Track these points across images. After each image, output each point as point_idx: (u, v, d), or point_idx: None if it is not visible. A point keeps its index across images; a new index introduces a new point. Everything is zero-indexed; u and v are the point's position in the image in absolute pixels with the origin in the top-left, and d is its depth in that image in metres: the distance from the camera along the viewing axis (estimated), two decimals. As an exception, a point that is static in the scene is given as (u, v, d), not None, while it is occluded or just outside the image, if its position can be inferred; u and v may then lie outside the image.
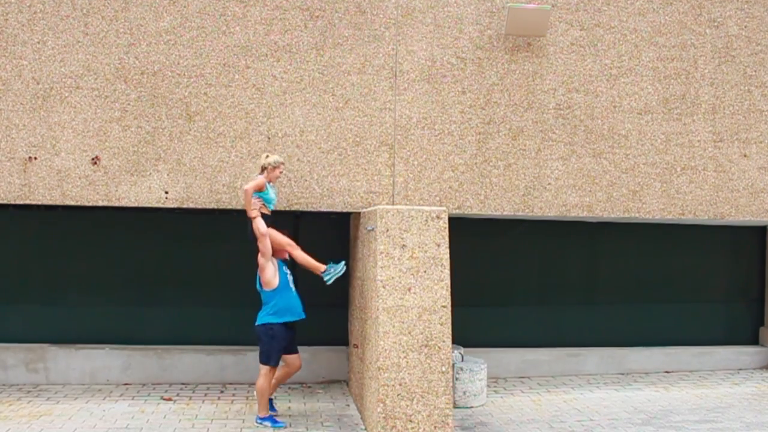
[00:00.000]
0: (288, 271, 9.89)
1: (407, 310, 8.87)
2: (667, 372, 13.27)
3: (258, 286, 9.79)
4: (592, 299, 13.43)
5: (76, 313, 11.88)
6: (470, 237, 12.56)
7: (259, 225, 9.40)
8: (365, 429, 9.58)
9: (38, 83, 10.23)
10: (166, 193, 10.43)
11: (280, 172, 9.97)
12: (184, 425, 9.57)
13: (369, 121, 10.82)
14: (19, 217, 11.69)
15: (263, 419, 9.60)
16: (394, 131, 10.85)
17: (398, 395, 8.73)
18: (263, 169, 9.86)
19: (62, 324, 11.84)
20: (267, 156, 9.90)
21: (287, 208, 10.68)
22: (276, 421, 9.62)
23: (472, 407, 10.82)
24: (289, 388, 11.46)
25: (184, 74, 10.48)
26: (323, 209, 10.76)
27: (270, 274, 9.55)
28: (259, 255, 9.51)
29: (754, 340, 14.21)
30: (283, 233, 9.77)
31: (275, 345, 9.52)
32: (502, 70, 11.21)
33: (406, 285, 8.93)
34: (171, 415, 10.00)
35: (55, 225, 11.88)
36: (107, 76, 10.35)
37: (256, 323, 9.64)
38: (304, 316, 9.83)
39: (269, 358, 9.53)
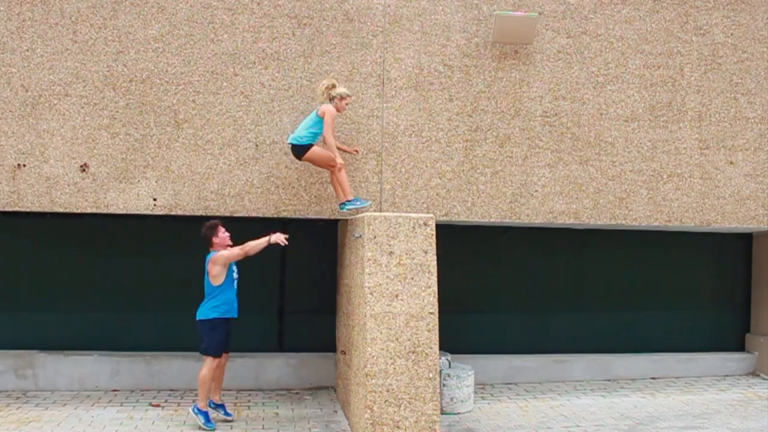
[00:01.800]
0: (235, 269, 10.08)
1: (395, 317, 8.89)
2: (653, 378, 13.30)
3: (206, 279, 9.91)
4: (579, 306, 13.46)
5: (65, 319, 11.86)
6: (458, 244, 12.58)
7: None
8: (353, 435, 9.62)
9: (27, 91, 10.25)
10: (155, 200, 10.46)
11: (347, 104, 10.29)
12: (173, 431, 9.58)
13: (356, 128, 10.86)
14: (7, 224, 11.67)
15: (201, 411, 9.76)
16: (381, 138, 10.90)
17: (385, 401, 8.75)
18: (330, 99, 10.14)
19: (51, 330, 11.83)
20: (334, 86, 10.18)
21: (275, 215, 10.72)
22: (209, 420, 9.76)
23: (459, 413, 10.84)
24: (277, 394, 11.48)
25: (173, 82, 10.51)
26: (311, 216, 10.80)
27: (219, 270, 9.77)
28: (230, 249, 9.80)
29: (740, 347, 14.25)
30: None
31: (216, 336, 9.80)
32: (489, 78, 11.27)
33: (393, 292, 8.95)
34: (159, 421, 10.01)
35: (43, 232, 11.87)
36: (96, 84, 10.38)
37: (199, 318, 9.87)
38: (236, 316, 10.06)
39: (210, 349, 9.80)
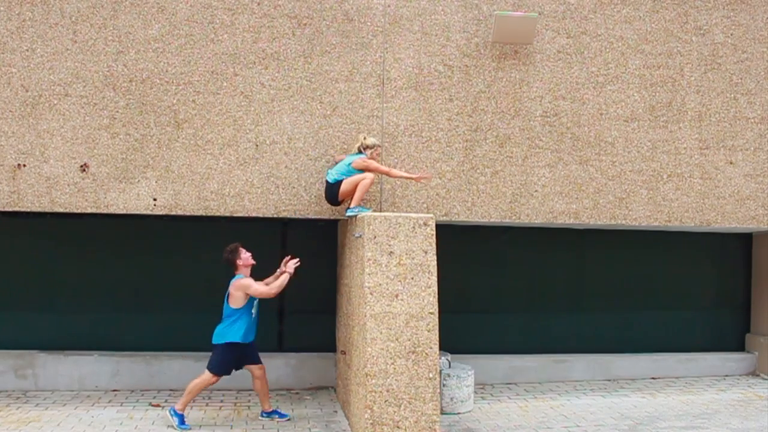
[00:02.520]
0: (256, 300, 10.12)
1: (394, 317, 8.89)
2: (653, 378, 13.30)
3: (225, 301, 9.95)
4: (579, 306, 13.46)
5: (65, 319, 11.87)
6: (457, 244, 12.58)
7: None
8: (352, 435, 9.62)
9: (27, 91, 10.25)
10: (155, 200, 10.46)
11: (378, 154, 10.51)
12: (173, 431, 9.58)
13: (357, 128, 10.86)
14: (7, 224, 11.68)
15: (177, 414, 9.80)
16: (381, 138, 10.90)
17: (385, 401, 8.75)
18: (365, 148, 10.34)
19: (51, 330, 11.83)
20: (365, 138, 10.43)
21: (275, 215, 10.71)
22: (183, 423, 9.78)
23: (459, 413, 10.84)
24: (277, 394, 11.47)
25: (173, 82, 10.51)
26: (311, 216, 10.79)
27: (242, 296, 9.80)
28: (258, 287, 9.80)
29: (740, 347, 14.25)
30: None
31: (227, 358, 9.87)
32: (489, 78, 11.27)
33: (393, 292, 8.95)
34: (159, 421, 10.00)
35: (43, 232, 11.87)
36: (96, 84, 10.38)
37: (216, 342, 9.91)
38: (254, 339, 10.14)
39: (216, 368, 9.84)
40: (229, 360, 9.85)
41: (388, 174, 10.27)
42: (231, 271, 9.93)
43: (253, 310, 9.97)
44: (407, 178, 10.33)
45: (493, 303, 13.10)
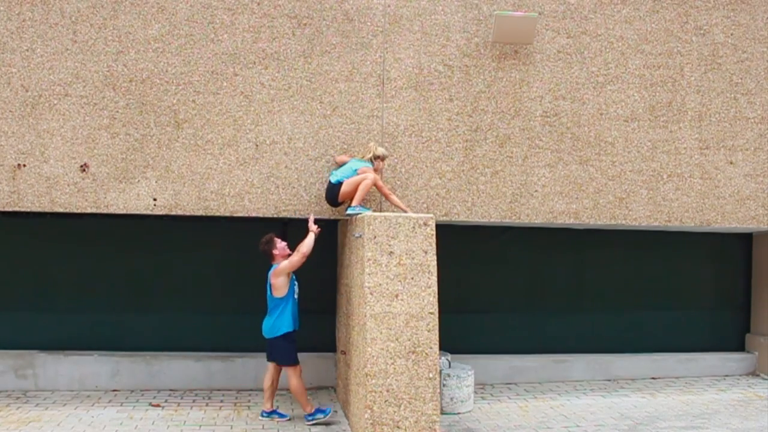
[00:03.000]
0: (296, 282, 10.17)
1: (394, 317, 8.89)
2: (653, 378, 13.31)
3: (269, 293, 10.04)
4: (579, 306, 13.46)
5: (65, 319, 11.87)
6: (458, 244, 12.58)
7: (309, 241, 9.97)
8: (352, 435, 9.62)
9: (27, 91, 10.25)
10: (155, 200, 10.45)
11: (384, 165, 10.69)
12: (173, 431, 9.58)
13: (357, 128, 10.86)
14: (7, 224, 11.68)
15: (313, 414, 10.07)
16: (381, 138, 10.89)
17: (385, 401, 8.75)
18: (375, 158, 10.45)
19: (51, 330, 11.83)
20: (376, 147, 10.51)
21: (275, 215, 10.71)
22: (322, 410, 10.11)
23: (459, 413, 10.85)
24: (277, 394, 11.42)
25: (173, 82, 10.50)
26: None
27: (283, 281, 9.89)
28: (290, 258, 9.87)
29: (740, 347, 14.26)
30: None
31: (293, 347, 10.06)
32: (489, 78, 11.27)
33: (393, 292, 8.95)
34: (159, 421, 10.01)
35: (43, 232, 11.87)
36: (96, 84, 10.37)
37: (272, 336, 10.05)
38: (299, 327, 10.25)
39: (293, 359, 10.07)
40: (295, 346, 10.06)
41: (386, 196, 10.38)
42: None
43: (296, 295, 10.13)
44: (401, 209, 10.32)
45: (493, 303, 13.10)
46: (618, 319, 13.61)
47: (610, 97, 11.61)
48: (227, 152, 10.58)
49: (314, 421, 9.95)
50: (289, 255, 9.98)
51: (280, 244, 10.06)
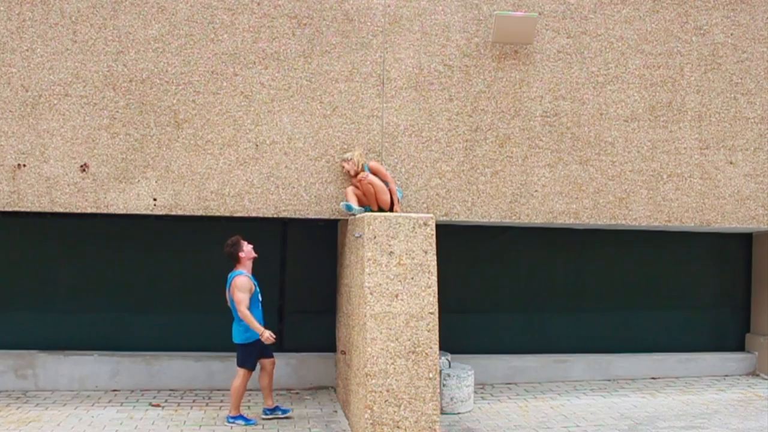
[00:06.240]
0: (258, 289, 10.22)
1: (394, 317, 8.90)
2: (653, 378, 13.30)
3: (231, 303, 10.00)
4: (579, 306, 13.45)
5: (65, 319, 11.88)
6: (458, 244, 12.58)
7: None
8: (352, 435, 9.62)
9: (27, 91, 10.25)
10: (155, 200, 10.45)
11: (347, 168, 10.73)
12: (173, 431, 9.59)
13: (356, 128, 10.86)
14: (7, 224, 11.68)
15: (235, 418, 10.01)
16: (381, 138, 10.90)
17: (386, 401, 8.75)
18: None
19: (51, 330, 11.84)
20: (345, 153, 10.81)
21: (275, 215, 10.71)
22: (247, 419, 10.06)
23: (459, 413, 10.85)
24: (277, 394, 11.46)
25: (173, 82, 10.50)
26: (311, 216, 10.79)
27: (244, 296, 9.84)
28: (244, 300, 9.81)
29: (740, 347, 14.25)
30: None
31: (253, 353, 10.09)
32: (489, 78, 11.27)
33: (393, 292, 8.95)
34: (159, 421, 10.01)
35: (43, 232, 11.87)
36: (96, 84, 10.37)
37: (237, 342, 10.09)
38: None
39: (248, 363, 10.10)
40: (254, 352, 10.07)
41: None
42: (230, 269, 9.96)
43: (260, 297, 10.15)
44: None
45: (493, 303, 13.11)
46: (618, 319, 13.61)
47: (610, 97, 11.61)
48: (227, 152, 10.58)
49: (230, 424, 9.94)
50: (254, 258, 10.11)
51: (247, 247, 10.01)
